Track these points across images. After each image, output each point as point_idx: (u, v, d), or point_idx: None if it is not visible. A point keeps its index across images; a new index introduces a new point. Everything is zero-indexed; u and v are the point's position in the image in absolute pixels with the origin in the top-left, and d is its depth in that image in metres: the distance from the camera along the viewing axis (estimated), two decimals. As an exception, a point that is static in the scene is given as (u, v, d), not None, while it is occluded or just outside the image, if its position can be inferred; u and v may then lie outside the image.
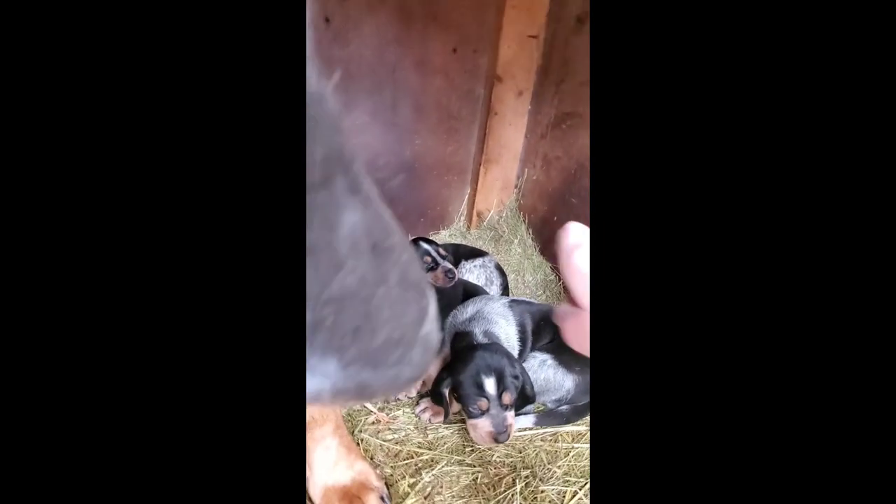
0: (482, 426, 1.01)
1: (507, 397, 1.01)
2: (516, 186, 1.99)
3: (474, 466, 1.01)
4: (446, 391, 1.04)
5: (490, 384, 1.02)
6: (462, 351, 1.09)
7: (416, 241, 1.51)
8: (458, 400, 1.04)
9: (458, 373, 1.03)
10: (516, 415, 1.08)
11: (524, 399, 1.05)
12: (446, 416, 1.06)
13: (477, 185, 1.94)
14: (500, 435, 0.99)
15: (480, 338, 1.15)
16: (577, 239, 0.43)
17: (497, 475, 1.00)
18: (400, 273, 0.28)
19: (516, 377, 1.04)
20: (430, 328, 0.30)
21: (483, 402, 1.01)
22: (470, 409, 1.01)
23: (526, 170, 1.95)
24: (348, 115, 1.54)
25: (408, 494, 0.94)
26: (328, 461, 0.90)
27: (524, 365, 1.14)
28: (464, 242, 1.85)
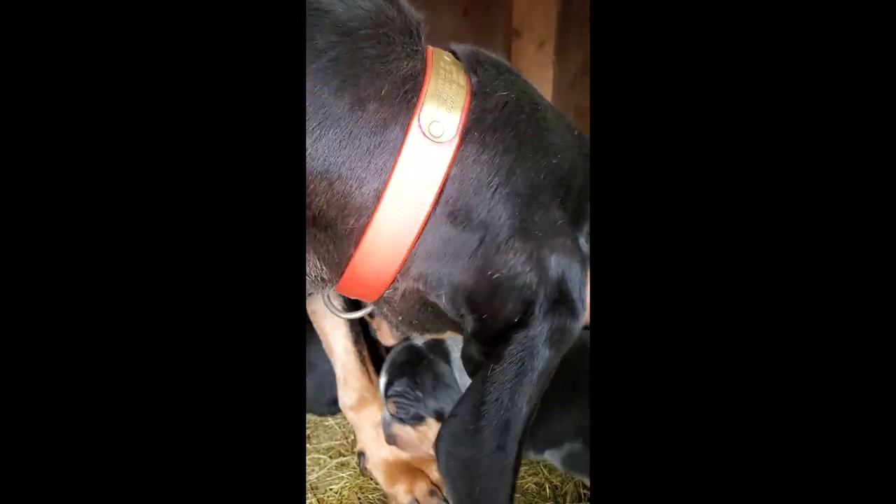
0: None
1: (391, 406, 0.91)
2: (550, 143, 1.88)
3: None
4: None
5: (381, 384, 0.93)
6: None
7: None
8: None
9: None
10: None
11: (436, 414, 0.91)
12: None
13: (509, 148, 1.86)
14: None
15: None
16: None
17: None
18: None
19: (409, 389, 0.90)
20: None
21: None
22: None
23: (558, 124, 1.84)
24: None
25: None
26: (382, 437, 0.92)
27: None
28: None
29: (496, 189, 0.47)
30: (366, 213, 0.48)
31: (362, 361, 1.05)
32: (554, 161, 0.50)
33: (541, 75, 1.85)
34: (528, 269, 0.47)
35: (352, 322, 1.03)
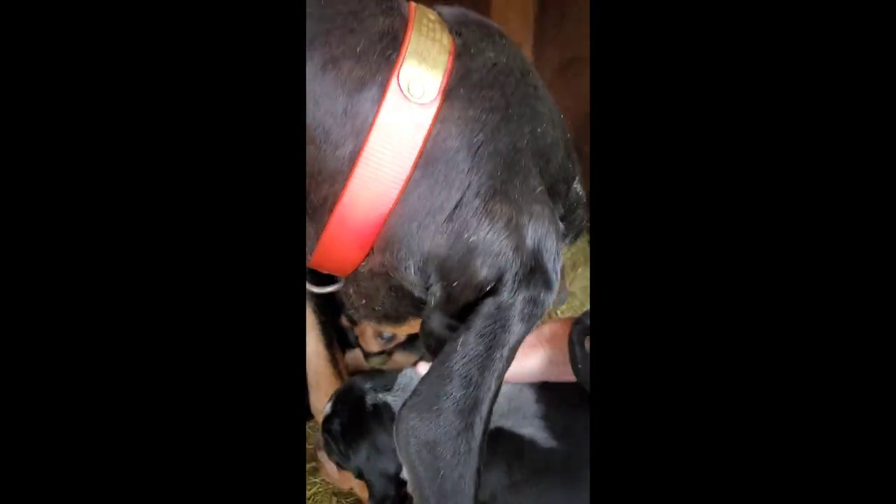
0: None
1: (321, 439, 0.87)
2: (527, 144, 1.88)
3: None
4: None
5: (326, 408, 0.88)
6: None
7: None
8: None
9: None
10: None
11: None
12: None
13: (486, 148, 1.85)
14: None
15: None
16: None
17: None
18: None
19: (340, 439, 0.84)
20: None
21: None
22: None
23: (535, 125, 1.84)
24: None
25: None
26: None
27: None
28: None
29: (480, 147, 0.45)
30: (341, 178, 0.45)
31: (335, 365, 1.03)
32: (539, 130, 0.48)
33: (518, 75, 1.84)
34: (505, 234, 0.45)
35: (324, 325, 1.00)
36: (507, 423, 0.75)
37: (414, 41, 0.45)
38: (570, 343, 0.62)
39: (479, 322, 0.44)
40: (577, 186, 0.55)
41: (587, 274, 1.40)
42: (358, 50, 0.43)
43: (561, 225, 0.50)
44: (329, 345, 1.01)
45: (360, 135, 0.44)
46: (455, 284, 0.46)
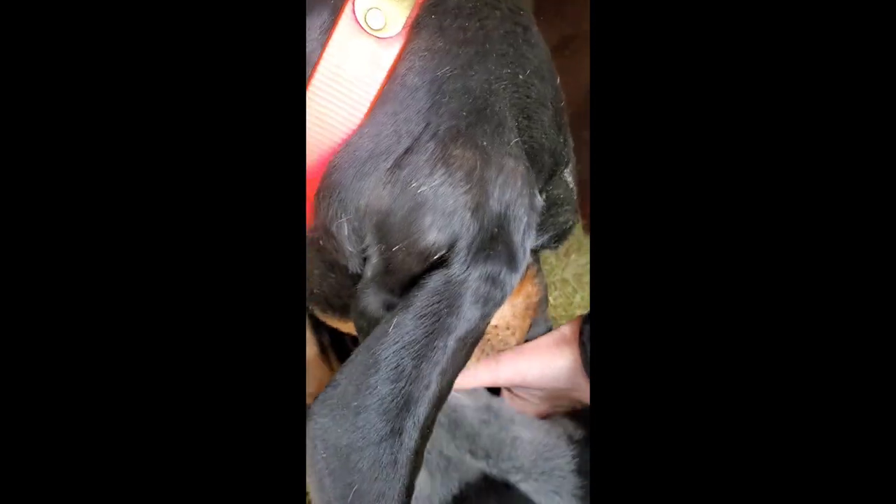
0: None
1: None
2: (523, 125, 1.85)
3: None
4: None
5: None
6: None
7: None
8: None
9: None
10: None
11: None
12: None
13: (480, 129, 1.82)
14: None
15: None
16: None
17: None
18: None
19: None
20: None
21: None
22: None
23: (531, 106, 1.81)
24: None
25: None
26: None
27: None
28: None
29: (445, 81, 0.36)
30: None
31: (322, 350, 1.01)
32: (521, 77, 0.39)
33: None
34: (464, 188, 0.35)
35: (317, 328, 0.98)
36: (530, 485, 0.55)
37: None
38: (582, 345, 0.54)
39: (420, 299, 0.35)
40: (568, 176, 0.46)
41: (581, 261, 1.38)
42: None
43: (539, 199, 0.39)
44: (316, 330, 0.99)
45: (308, 69, 0.36)
46: (395, 249, 0.36)
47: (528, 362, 0.57)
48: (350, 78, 0.35)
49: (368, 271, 0.38)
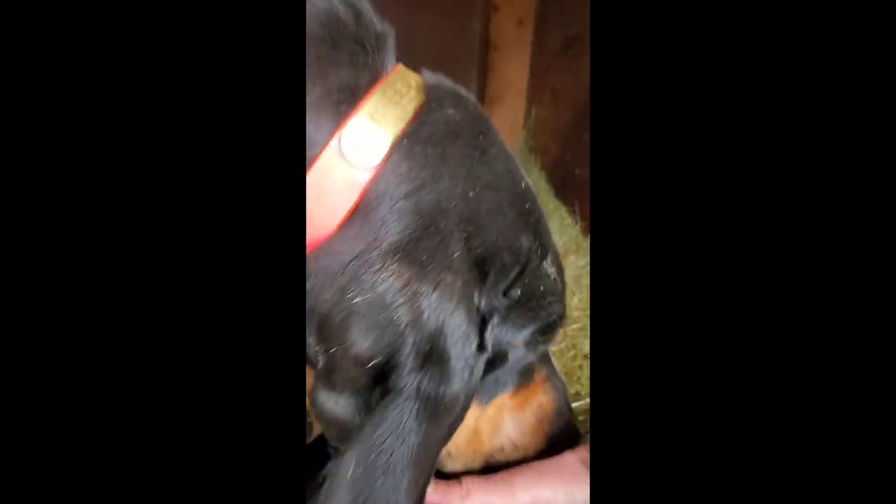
0: None
1: None
2: (524, 127, 1.86)
3: None
4: None
5: None
6: None
7: None
8: None
9: None
10: None
11: None
12: None
13: (482, 129, 1.83)
14: None
15: None
16: None
17: None
18: None
19: None
20: None
21: None
22: None
23: (533, 108, 1.82)
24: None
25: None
26: None
27: None
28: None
29: (399, 201, 0.40)
30: None
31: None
32: (471, 194, 0.42)
33: (518, 56, 1.81)
34: (398, 302, 0.38)
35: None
36: None
37: (373, 101, 0.41)
38: None
39: (367, 434, 0.37)
40: (549, 268, 0.47)
41: (579, 263, 1.38)
42: (311, 98, 0.40)
43: (486, 305, 0.42)
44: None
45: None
46: (332, 351, 0.40)
47: (551, 489, 0.48)
48: (326, 197, 0.40)
49: (318, 367, 0.42)
